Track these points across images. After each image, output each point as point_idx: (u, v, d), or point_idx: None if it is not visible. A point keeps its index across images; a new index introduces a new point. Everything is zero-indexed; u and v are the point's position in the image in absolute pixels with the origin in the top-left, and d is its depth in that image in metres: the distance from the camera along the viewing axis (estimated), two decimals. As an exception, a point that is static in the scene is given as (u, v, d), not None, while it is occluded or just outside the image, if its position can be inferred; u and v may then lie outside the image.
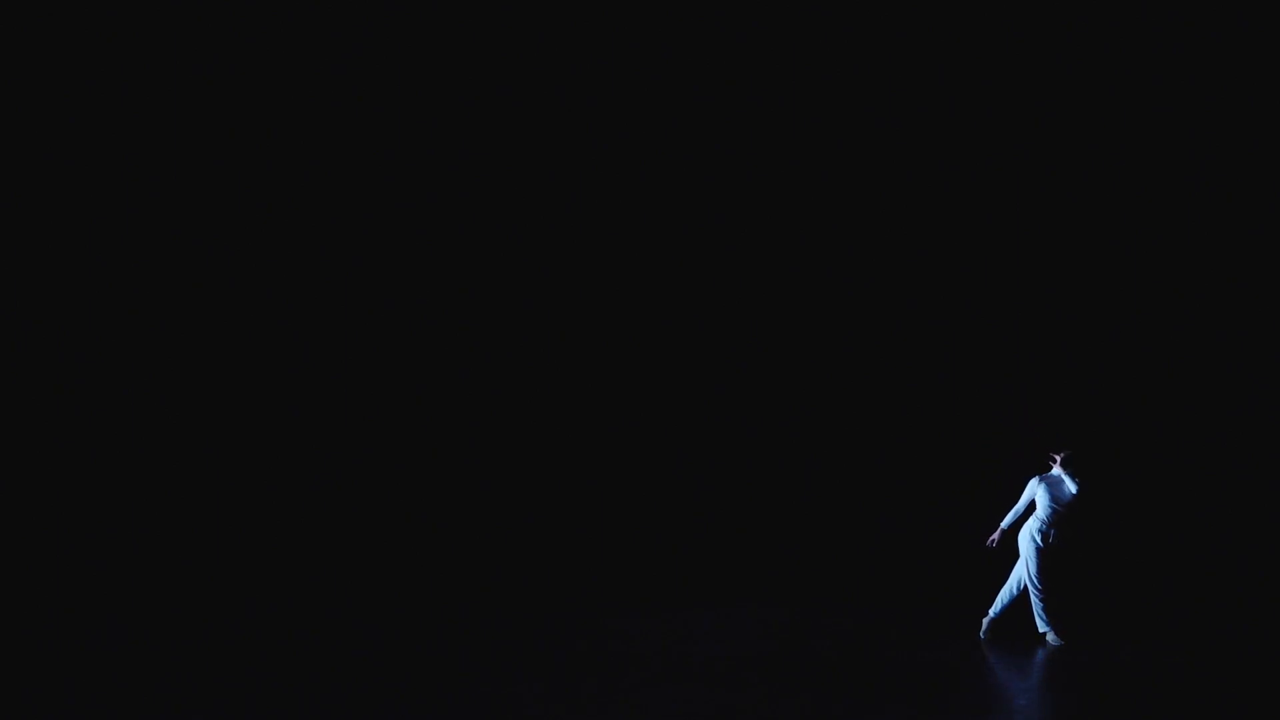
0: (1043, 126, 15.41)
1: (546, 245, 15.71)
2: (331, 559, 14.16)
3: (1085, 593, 12.50)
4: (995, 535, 10.27)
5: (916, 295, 15.71)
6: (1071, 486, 10.11)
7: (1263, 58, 14.87)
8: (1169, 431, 15.19)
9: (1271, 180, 15.20)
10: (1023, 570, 10.19)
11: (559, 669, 9.08)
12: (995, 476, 14.90)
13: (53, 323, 15.00)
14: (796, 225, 15.78)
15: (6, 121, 14.81)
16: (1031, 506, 10.27)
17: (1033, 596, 10.15)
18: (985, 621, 10.35)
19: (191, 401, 15.23)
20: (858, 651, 9.82)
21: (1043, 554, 10.11)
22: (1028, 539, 10.18)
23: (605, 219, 15.71)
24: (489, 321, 15.69)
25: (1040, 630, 10.20)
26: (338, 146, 15.36)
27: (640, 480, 15.34)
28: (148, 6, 14.78)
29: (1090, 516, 10.42)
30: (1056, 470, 10.24)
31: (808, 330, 15.73)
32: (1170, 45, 14.99)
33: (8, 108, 14.77)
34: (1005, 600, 10.27)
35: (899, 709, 7.97)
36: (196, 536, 14.58)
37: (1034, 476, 10.32)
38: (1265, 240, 15.25)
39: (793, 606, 12.12)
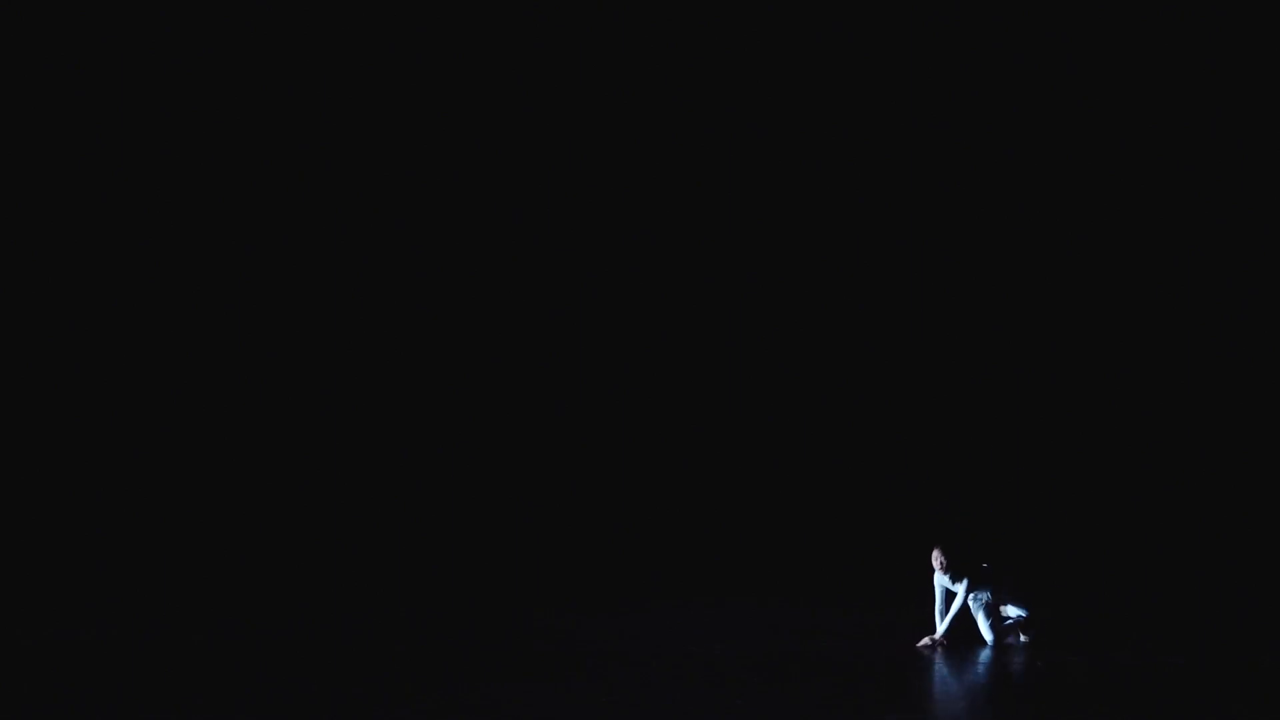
0: (1039, 128, 15.41)
1: (545, 246, 15.72)
2: (331, 559, 14.15)
3: (1082, 595, 12.51)
4: (935, 638, 9.97)
5: (916, 295, 15.69)
6: (957, 589, 9.95)
7: (1263, 58, 14.88)
8: (1167, 431, 15.19)
9: (1271, 180, 15.20)
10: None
11: (558, 669, 9.07)
12: (996, 477, 14.94)
13: (54, 323, 15.01)
14: (794, 225, 15.78)
15: (6, 122, 14.81)
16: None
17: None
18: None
19: (192, 402, 15.24)
20: (858, 651, 9.80)
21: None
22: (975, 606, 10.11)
23: (603, 219, 15.71)
24: (488, 322, 15.69)
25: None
26: (338, 147, 15.36)
27: (640, 480, 15.33)
28: (148, 6, 14.78)
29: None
30: (941, 576, 10.05)
31: (809, 331, 15.72)
32: (1170, 45, 15.00)
33: (8, 108, 14.78)
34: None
35: (900, 709, 7.97)
36: (197, 537, 14.59)
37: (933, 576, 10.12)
38: (1265, 240, 15.25)
39: (793, 606, 12.11)
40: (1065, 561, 13.63)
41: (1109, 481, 15.05)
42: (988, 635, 10.00)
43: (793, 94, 15.50)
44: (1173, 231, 15.36)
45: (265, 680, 8.74)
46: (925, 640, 9.88)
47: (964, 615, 10.00)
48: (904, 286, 15.71)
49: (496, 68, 15.41)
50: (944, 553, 9.90)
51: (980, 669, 9.41)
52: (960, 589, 9.89)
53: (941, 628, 9.92)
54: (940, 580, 9.99)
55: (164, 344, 15.26)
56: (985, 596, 9.98)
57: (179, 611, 11.56)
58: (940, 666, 9.44)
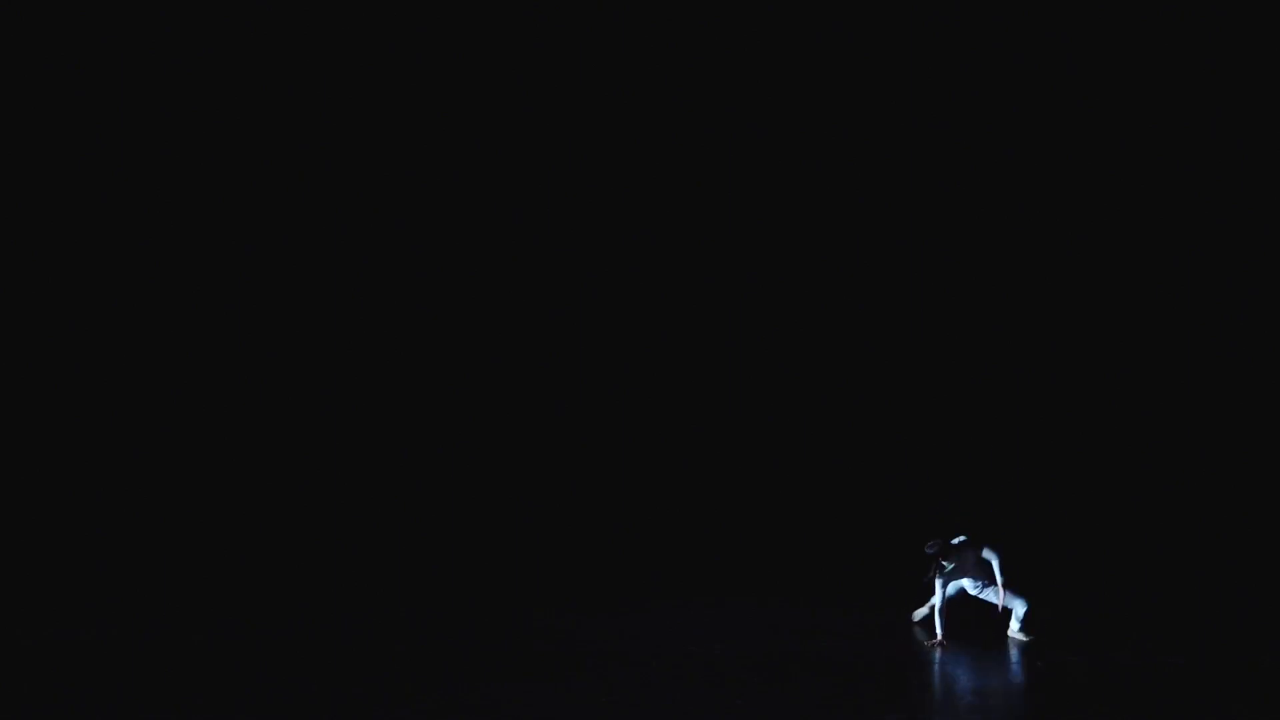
0: (1039, 128, 15.41)
1: (545, 246, 15.72)
2: (331, 559, 14.15)
3: (1082, 595, 12.51)
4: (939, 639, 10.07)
5: (916, 295, 15.69)
6: (989, 554, 10.07)
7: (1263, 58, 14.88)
8: (1167, 431, 15.19)
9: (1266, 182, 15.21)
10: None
11: (558, 669, 9.07)
12: (996, 477, 14.94)
13: (54, 323, 15.02)
14: (794, 225, 15.78)
15: (6, 122, 14.82)
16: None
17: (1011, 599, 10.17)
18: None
19: (192, 402, 15.25)
20: (858, 651, 9.81)
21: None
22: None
23: (603, 219, 15.71)
24: (488, 322, 15.70)
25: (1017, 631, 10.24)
26: (338, 147, 15.36)
27: (640, 481, 15.33)
28: (148, 6, 14.78)
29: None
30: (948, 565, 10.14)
31: (809, 331, 15.72)
32: (1170, 45, 15.00)
33: (8, 108, 14.79)
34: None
35: (900, 709, 7.98)
36: (197, 537, 14.59)
37: (935, 578, 10.11)
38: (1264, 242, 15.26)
39: (793, 606, 12.10)
40: (1065, 561, 13.63)
41: (1109, 481, 15.05)
42: (1016, 603, 10.02)
43: (793, 94, 15.50)
44: (1173, 231, 15.36)
45: (265, 680, 8.75)
46: (933, 640, 9.93)
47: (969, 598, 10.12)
48: (904, 286, 15.71)
49: (496, 68, 15.40)
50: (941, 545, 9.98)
51: (980, 669, 9.42)
52: (989, 554, 9.95)
53: (940, 628, 9.97)
54: (946, 576, 10.00)
55: (164, 344, 15.25)
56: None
57: (179, 611, 11.56)
58: (940, 666, 9.45)
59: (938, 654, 9.74)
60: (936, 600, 10.08)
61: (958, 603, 10.38)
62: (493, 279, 15.72)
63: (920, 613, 10.60)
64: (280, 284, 15.44)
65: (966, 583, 10.23)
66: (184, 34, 14.90)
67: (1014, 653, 9.82)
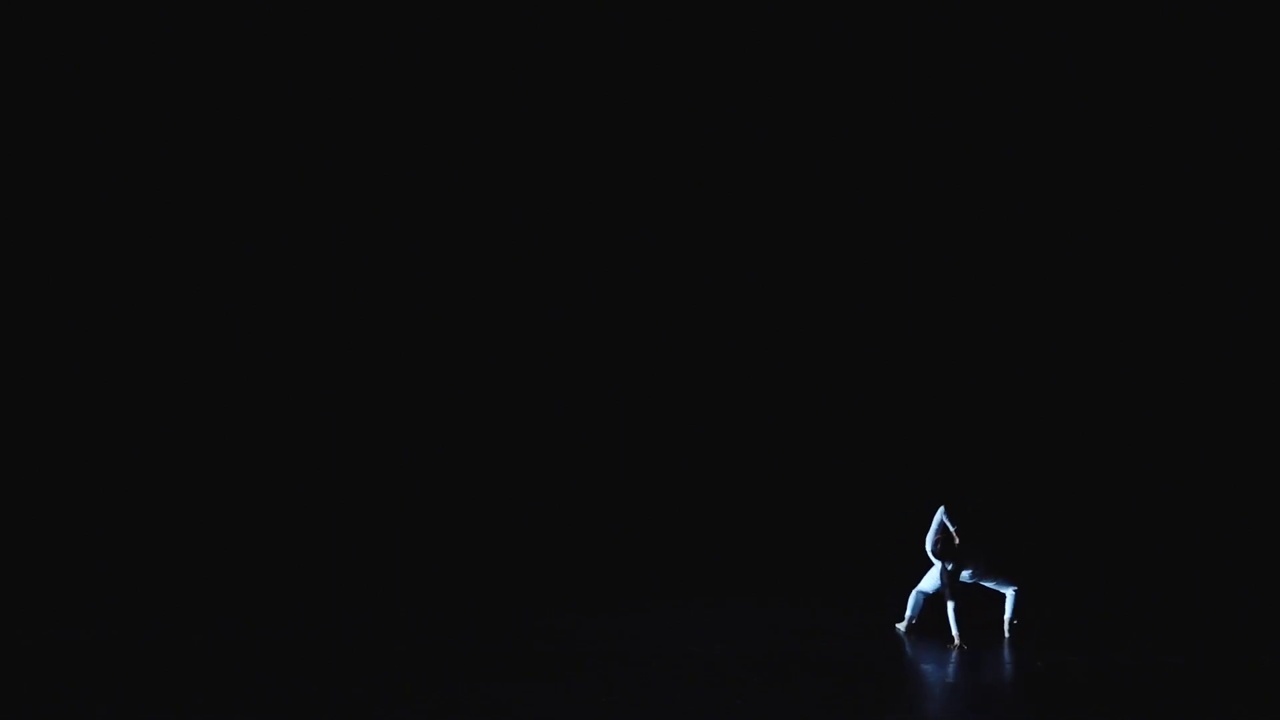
0: (1039, 128, 15.42)
1: (545, 245, 15.73)
2: (331, 559, 14.16)
3: (1082, 595, 12.52)
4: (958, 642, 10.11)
5: (916, 295, 15.70)
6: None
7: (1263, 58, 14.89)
8: (1167, 431, 15.20)
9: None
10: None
11: (558, 669, 9.08)
12: (996, 477, 14.94)
13: (54, 323, 15.02)
14: (794, 225, 15.78)
15: (6, 122, 14.83)
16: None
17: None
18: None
19: (192, 402, 15.25)
20: (858, 651, 9.81)
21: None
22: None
23: (603, 219, 15.72)
24: (488, 322, 15.70)
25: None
26: (338, 147, 15.37)
27: (640, 480, 15.33)
28: (148, 6, 14.79)
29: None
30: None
31: (809, 331, 15.72)
32: (1170, 45, 15.00)
33: (8, 108, 14.80)
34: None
35: (899, 709, 7.98)
36: (197, 537, 14.59)
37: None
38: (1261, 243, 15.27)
39: (793, 606, 12.11)
40: (1065, 561, 13.64)
41: (1109, 481, 15.06)
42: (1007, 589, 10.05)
43: (793, 94, 15.50)
44: (1173, 231, 15.36)
45: (265, 680, 8.75)
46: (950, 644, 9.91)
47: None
48: (904, 286, 15.71)
49: (496, 68, 15.41)
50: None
51: (981, 669, 9.41)
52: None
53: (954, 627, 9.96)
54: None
55: (164, 344, 15.26)
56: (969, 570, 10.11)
57: (179, 611, 11.57)
58: (940, 666, 9.45)
59: (954, 655, 9.68)
60: (933, 588, 10.12)
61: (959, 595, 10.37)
62: (492, 279, 15.73)
63: (902, 625, 10.54)
64: (280, 284, 15.44)
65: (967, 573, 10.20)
66: (184, 34, 14.91)
67: (1014, 653, 9.82)
